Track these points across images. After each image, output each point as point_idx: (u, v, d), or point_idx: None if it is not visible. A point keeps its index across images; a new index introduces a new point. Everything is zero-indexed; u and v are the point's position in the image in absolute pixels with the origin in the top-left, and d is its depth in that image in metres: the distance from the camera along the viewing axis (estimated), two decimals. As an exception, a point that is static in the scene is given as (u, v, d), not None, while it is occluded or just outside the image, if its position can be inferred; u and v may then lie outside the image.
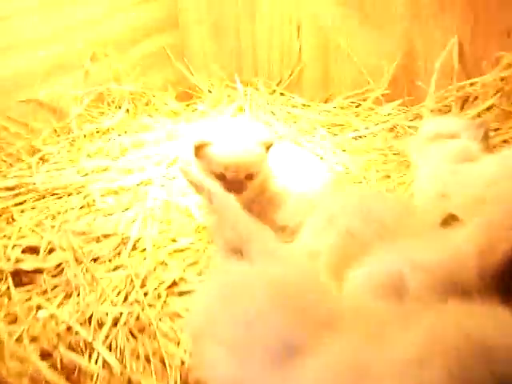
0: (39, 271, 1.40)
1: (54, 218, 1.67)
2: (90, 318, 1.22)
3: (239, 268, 1.01)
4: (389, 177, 1.89)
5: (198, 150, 1.52)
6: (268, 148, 1.55)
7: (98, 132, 2.19)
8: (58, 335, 1.15)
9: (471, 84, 2.05)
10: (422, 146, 1.73)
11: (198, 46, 2.63)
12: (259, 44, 2.52)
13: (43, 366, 1.04)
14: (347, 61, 2.32)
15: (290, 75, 2.48)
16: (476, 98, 2.03)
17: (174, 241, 1.60)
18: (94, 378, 1.05)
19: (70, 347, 1.13)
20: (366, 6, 2.18)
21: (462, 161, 1.58)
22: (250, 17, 2.49)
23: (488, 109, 1.99)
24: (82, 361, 1.09)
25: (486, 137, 1.66)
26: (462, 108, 2.04)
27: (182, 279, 1.42)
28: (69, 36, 2.17)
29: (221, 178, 1.49)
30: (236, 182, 1.49)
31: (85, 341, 1.14)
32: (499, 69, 1.96)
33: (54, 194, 1.81)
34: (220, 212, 1.09)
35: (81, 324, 1.20)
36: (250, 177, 1.52)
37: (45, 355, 1.11)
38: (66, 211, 1.71)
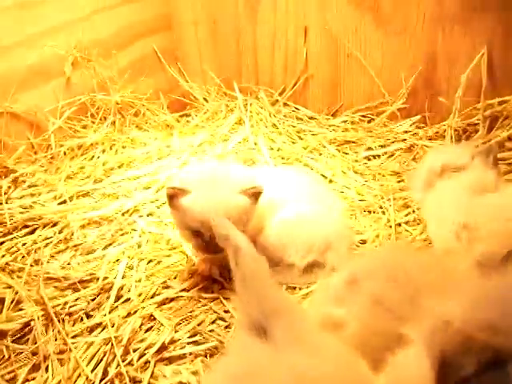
0: (2, 334, 1.17)
1: (23, 257, 1.44)
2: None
3: (261, 353, 0.82)
4: (408, 206, 1.66)
5: (172, 199, 1.28)
6: (256, 197, 1.31)
7: (79, 148, 1.95)
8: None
9: (501, 102, 1.82)
10: (429, 182, 1.56)
11: (193, 50, 2.40)
12: (261, 48, 2.28)
13: None
14: (360, 70, 2.09)
15: (295, 84, 2.25)
16: (507, 117, 1.81)
17: (164, 287, 1.37)
18: None
19: None
20: (383, 7, 1.95)
21: (481, 192, 1.44)
22: (251, 17, 2.25)
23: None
24: None
25: (495, 163, 1.54)
26: (489, 129, 1.82)
27: (173, 342, 1.19)
28: (47, 39, 1.92)
29: (198, 234, 1.25)
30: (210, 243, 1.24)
31: None
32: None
33: (27, 227, 1.57)
34: (246, 278, 0.87)
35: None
36: None
37: None
38: (39, 249, 1.48)
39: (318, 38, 2.14)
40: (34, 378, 1.07)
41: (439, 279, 1.06)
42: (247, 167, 1.70)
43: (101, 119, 2.06)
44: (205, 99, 2.33)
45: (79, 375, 1.07)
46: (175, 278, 1.41)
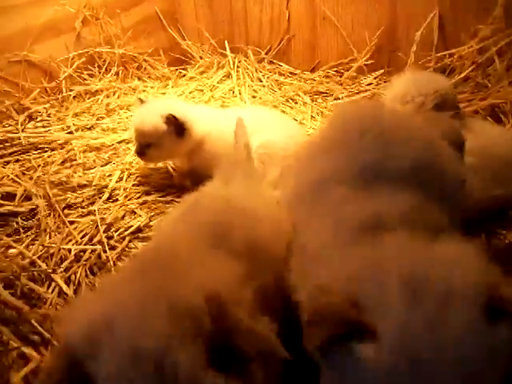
0: (13, 215, 1.49)
1: (35, 170, 1.76)
2: (54, 254, 1.31)
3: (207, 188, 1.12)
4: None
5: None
6: (175, 127, 1.62)
7: (86, 93, 2.27)
8: (22, 268, 1.24)
9: (450, 55, 2.07)
10: None
11: (191, 13, 2.69)
12: (250, 12, 2.56)
13: (2, 291, 1.12)
14: (333, 31, 2.35)
15: (279, 44, 2.52)
16: (454, 69, 2.06)
17: (146, 193, 1.68)
18: (49, 304, 1.14)
19: (32, 278, 1.22)
20: (353, -26, 2.22)
21: None
22: (241, -15, 2.54)
23: (465, 80, 2.02)
24: (39, 289, 1.17)
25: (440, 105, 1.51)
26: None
27: (147, 226, 1.50)
28: (60, -1, 2.24)
29: None
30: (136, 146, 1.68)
31: (45, 273, 1.23)
32: (475, 41, 1.98)
33: (39, 149, 1.89)
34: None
35: (44, 259, 1.29)
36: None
37: (7, 284, 1.19)
38: (47, 164, 1.79)
39: (299, 2, 2.41)
40: (36, 243, 1.38)
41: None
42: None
43: (106, 70, 2.38)
44: (200, 57, 2.62)
45: (70, 240, 1.38)
46: (157, 188, 1.71)
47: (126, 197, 1.64)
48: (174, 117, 1.62)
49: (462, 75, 2.00)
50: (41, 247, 1.33)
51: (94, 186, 1.66)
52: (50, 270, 1.23)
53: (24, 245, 1.36)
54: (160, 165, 1.83)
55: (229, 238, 0.86)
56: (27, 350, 1.00)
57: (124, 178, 1.73)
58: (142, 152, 1.67)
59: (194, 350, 0.59)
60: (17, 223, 1.46)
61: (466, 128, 1.54)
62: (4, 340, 1.03)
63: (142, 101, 1.72)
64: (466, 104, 1.89)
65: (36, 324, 1.06)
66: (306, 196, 0.86)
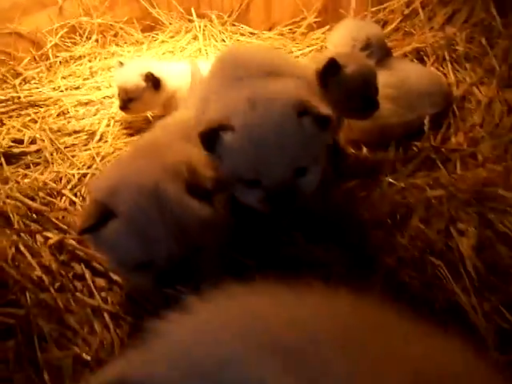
0: (24, 154, 1.83)
1: (35, 121, 2.09)
2: (62, 178, 1.66)
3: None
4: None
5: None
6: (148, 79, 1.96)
7: (71, 59, 2.58)
8: (39, 188, 1.58)
9: (383, 9, 2.42)
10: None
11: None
12: (213, -20, 2.88)
13: (27, 200, 1.47)
14: (286, -6, 2.69)
15: (239, 8, 2.85)
16: (386, 21, 2.41)
17: (131, 135, 2.02)
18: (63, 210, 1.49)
19: (48, 194, 1.57)
20: None
21: None
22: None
23: (396, 30, 2.38)
24: (54, 200, 1.52)
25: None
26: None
27: (134, 159, 1.85)
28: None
29: None
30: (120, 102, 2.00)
31: (57, 190, 1.58)
32: (403, -5, 2.35)
33: (36, 106, 2.21)
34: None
35: (55, 181, 1.64)
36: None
37: (29, 198, 1.54)
38: (45, 117, 2.12)
39: (255, -31, 2.74)
40: (45, 172, 1.73)
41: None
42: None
43: (87, 38, 2.69)
44: (169, 23, 2.94)
45: (73, 168, 1.73)
46: (138, 131, 2.05)
47: (114, 138, 1.98)
48: (152, 74, 1.95)
49: (393, 25, 2.36)
50: (51, 174, 1.68)
51: (86, 131, 2.00)
52: (60, 187, 1.58)
53: (37, 173, 1.70)
54: (142, 115, 2.17)
55: (192, 138, 1.23)
56: (50, 234, 1.36)
57: (111, 125, 2.07)
58: (125, 106, 1.99)
59: (177, 185, 0.98)
60: (27, 160, 1.80)
61: (391, 66, 1.96)
62: (32, 233, 1.39)
63: (121, 63, 2.03)
64: (396, 49, 2.26)
65: (55, 220, 1.41)
66: (202, 103, 1.28)
